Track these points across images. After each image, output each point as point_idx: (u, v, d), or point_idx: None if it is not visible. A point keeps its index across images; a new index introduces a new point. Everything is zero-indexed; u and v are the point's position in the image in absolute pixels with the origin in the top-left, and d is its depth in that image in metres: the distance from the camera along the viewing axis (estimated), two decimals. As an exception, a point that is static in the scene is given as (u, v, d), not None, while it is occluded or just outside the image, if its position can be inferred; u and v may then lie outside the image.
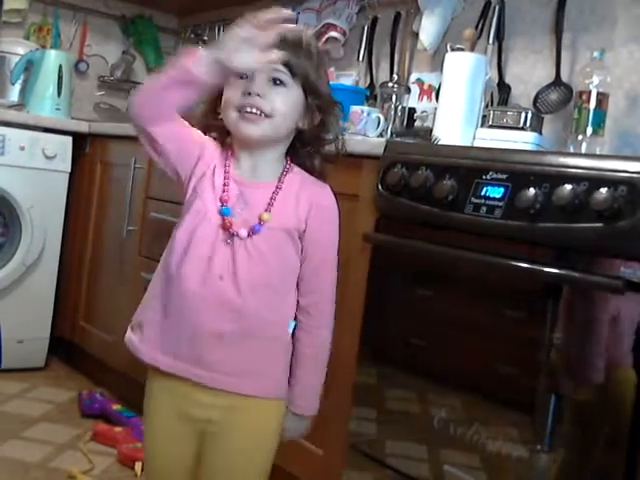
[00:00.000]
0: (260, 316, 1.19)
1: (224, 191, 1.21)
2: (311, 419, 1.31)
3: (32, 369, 2.86)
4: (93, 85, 3.62)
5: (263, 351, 1.22)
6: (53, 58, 3.05)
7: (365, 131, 2.10)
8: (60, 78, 3.04)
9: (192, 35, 3.65)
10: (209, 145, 1.24)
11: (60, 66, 3.04)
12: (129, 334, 1.34)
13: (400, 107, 2.21)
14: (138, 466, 2.06)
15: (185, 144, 1.21)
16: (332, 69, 2.69)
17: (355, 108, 2.15)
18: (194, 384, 1.21)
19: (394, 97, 2.23)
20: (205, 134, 1.25)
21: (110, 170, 2.85)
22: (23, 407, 2.50)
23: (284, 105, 1.18)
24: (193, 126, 1.23)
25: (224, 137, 1.25)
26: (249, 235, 1.18)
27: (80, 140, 2.94)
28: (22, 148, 2.76)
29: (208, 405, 1.22)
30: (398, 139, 2.03)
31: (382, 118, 2.13)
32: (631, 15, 1.99)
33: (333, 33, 2.76)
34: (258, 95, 1.16)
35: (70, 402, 2.58)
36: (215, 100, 1.23)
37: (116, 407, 2.42)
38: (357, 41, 2.73)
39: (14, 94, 3.09)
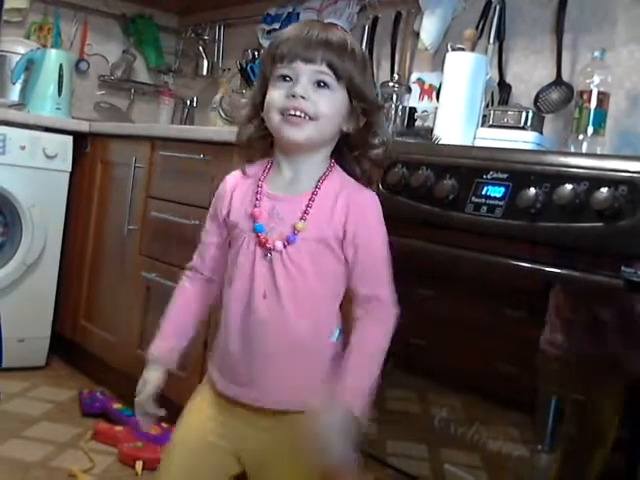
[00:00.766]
0: (304, 328, 1.16)
1: (255, 206, 1.18)
2: (358, 429, 1.15)
3: (33, 368, 2.86)
4: (94, 84, 3.62)
5: (311, 364, 1.18)
6: (54, 57, 3.05)
7: (366, 131, 2.10)
8: (61, 77, 3.04)
9: (193, 34, 3.66)
10: (224, 192, 1.24)
11: (61, 65, 3.04)
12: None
13: (401, 107, 2.21)
14: (139, 465, 2.06)
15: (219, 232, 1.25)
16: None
17: (356, 108, 2.15)
18: (249, 412, 1.18)
19: (395, 97, 2.23)
20: (248, 145, 1.23)
21: (111, 169, 2.85)
22: (24, 406, 2.50)
23: (328, 108, 1.15)
24: (238, 134, 1.24)
25: (266, 148, 1.23)
26: (285, 246, 1.15)
27: (81, 139, 2.94)
28: (23, 147, 2.76)
29: (259, 433, 1.19)
30: (399, 139, 2.03)
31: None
32: (632, 15, 2.00)
33: (334, 32, 2.76)
34: (302, 97, 1.13)
35: (71, 401, 2.58)
36: (259, 104, 1.20)
37: (117, 406, 2.42)
38: (358, 40, 2.72)
39: (15, 93, 3.10)
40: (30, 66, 3.07)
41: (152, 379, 1.26)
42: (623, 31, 2.01)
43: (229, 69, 3.43)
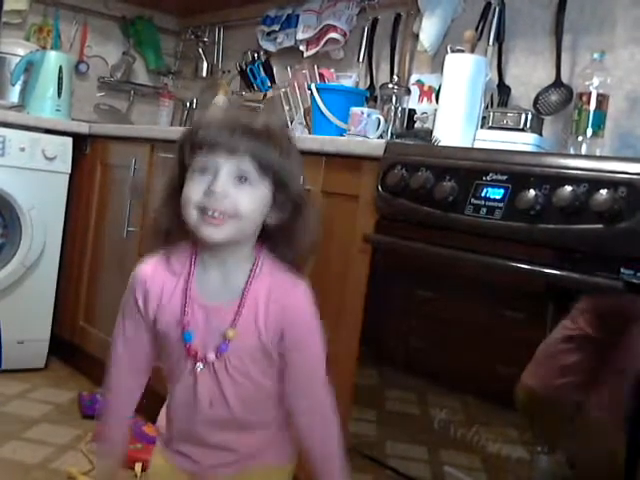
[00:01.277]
0: (254, 416, 1.17)
1: (185, 314, 1.13)
2: None
3: (32, 370, 2.86)
4: (93, 86, 3.62)
5: (264, 436, 1.19)
6: (53, 59, 3.05)
7: (365, 132, 2.10)
8: (60, 79, 3.04)
9: (192, 36, 3.66)
10: (141, 282, 1.18)
11: (60, 67, 3.04)
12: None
13: (400, 108, 2.21)
14: (138, 467, 2.06)
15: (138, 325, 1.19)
16: (332, 70, 2.69)
17: (355, 109, 2.15)
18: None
19: (394, 98, 2.23)
20: (163, 234, 1.16)
21: (110, 171, 2.85)
22: (23, 408, 2.50)
23: (249, 205, 1.08)
24: (154, 220, 1.18)
25: (186, 235, 1.14)
26: (217, 357, 1.11)
27: (80, 141, 2.94)
28: (22, 149, 2.76)
29: None
30: (398, 140, 2.03)
31: (382, 119, 2.13)
32: (631, 17, 2.00)
33: (333, 34, 2.77)
34: (221, 195, 1.06)
35: (70, 403, 2.59)
36: (176, 194, 1.12)
37: (116, 408, 2.42)
38: (357, 42, 2.74)
39: (14, 95, 3.10)
40: (30, 68, 3.07)
41: (106, 471, 1.29)
42: (622, 33, 2.01)
43: (229, 71, 3.44)
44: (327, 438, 1.17)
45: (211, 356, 1.11)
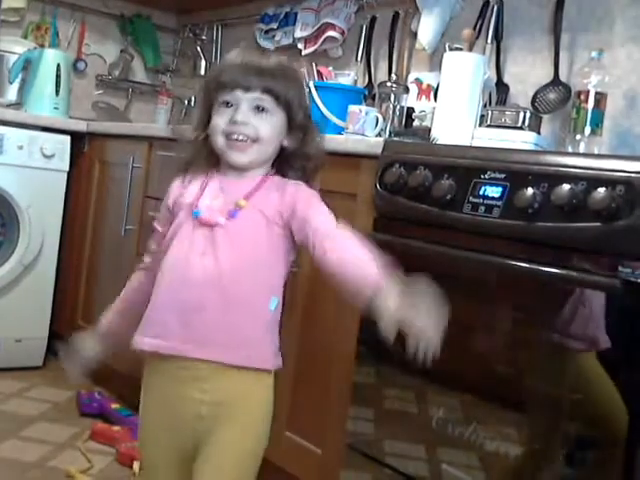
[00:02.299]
0: (240, 288, 1.25)
1: (198, 197, 1.30)
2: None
3: (30, 368, 2.86)
4: (91, 84, 3.61)
5: (246, 322, 1.26)
6: (51, 57, 3.05)
7: (363, 130, 2.10)
8: (58, 77, 3.04)
9: (190, 34, 3.66)
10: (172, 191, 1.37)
11: (58, 65, 3.04)
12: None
13: (398, 107, 2.21)
14: (136, 465, 2.06)
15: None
16: (330, 68, 2.69)
17: (353, 107, 2.15)
18: (182, 367, 1.25)
19: (392, 97, 2.23)
20: (192, 161, 1.36)
21: (108, 169, 2.85)
22: (21, 406, 2.50)
23: (268, 130, 1.28)
24: (185, 146, 1.38)
25: (212, 160, 1.34)
26: (227, 219, 1.26)
27: (78, 139, 2.94)
28: (20, 147, 2.76)
29: (197, 400, 1.25)
30: (396, 139, 2.03)
31: (380, 118, 2.13)
32: (629, 15, 2.00)
33: (331, 33, 2.76)
34: (243, 123, 1.26)
35: (68, 401, 2.58)
36: (205, 125, 1.32)
37: (115, 406, 2.42)
38: (355, 40, 2.73)
39: (12, 93, 3.10)
40: (28, 66, 3.07)
41: (89, 346, 1.46)
42: (621, 31, 2.01)
43: (227, 69, 3.43)
44: (362, 262, 1.20)
45: (221, 220, 1.26)
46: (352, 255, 1.21)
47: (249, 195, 1.29)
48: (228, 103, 1.28)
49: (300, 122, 1.32)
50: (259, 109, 1.28)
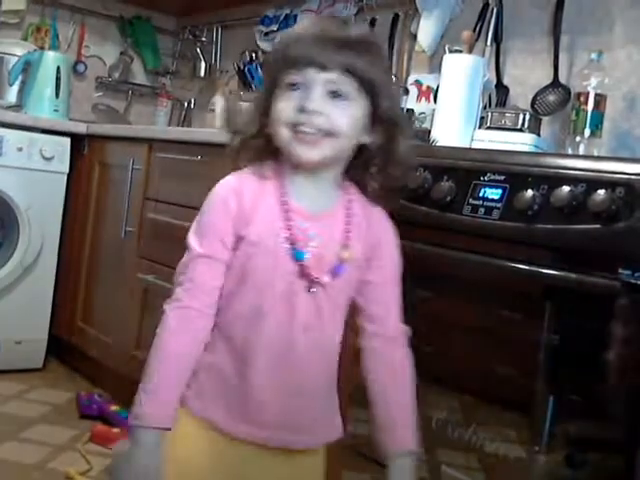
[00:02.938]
0: (337, 346, 1.10)
1: (289, 229, 1.02)
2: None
3: (30, 370, 2.86)
4: (91, 86, 3.61)
5: (336, 397, 1.13)
6: (51, 59, 3.05)
7: (363, 132, 2.10)
8: (58, 79, 3.04)
9: (190, 36, 3.66)
10: (240, 198, 1.03)
11: (58, 67, 3.05)
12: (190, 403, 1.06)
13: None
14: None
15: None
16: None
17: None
18: (276, 453, 1.06)
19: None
20: (249, 154, 1.07)
21: (108, 171, 2.85)
22: (21, 408, 2.50)
23: (347, 122, 1.00)
24: (240, 139, 1.07)
25: (272, 156, 1.06)
26: (333, 279, 1.03)
27: (78, 141, 2.94)
28: (20, 149, 2.76)
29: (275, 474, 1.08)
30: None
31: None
32: (629, 17, 2.00)
33: (331, 34, 2.76)
34: (315, 112, 0.99)
35: (68, 403, 2.58)
36: (265, 114, 1.04)
37: (114, 408, 2.42)
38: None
39: (12, 95, 3.09)
40: (27, 68, 3.07)
41: (156, 453, 1.01)
42: (620, 33, 2.01)
43: (227, 71, 3.44)
44: (402, 383, 1.10)
45: (325, 279, 1.02)
46: (397, 400, 1.10)
47: (348, 235, 1.04)
48: (296, 85, 1.00)
49: (387, 114, 1.04)
50: (336, 94, 1.00)
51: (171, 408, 1.02)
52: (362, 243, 1.06)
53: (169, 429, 1.01)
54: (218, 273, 1.03)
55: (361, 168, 1.08)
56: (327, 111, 0.99)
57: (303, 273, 1.01)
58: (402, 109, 1.11)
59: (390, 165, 1.06)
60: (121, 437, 2.21)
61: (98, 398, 2.50)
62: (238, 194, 1.03)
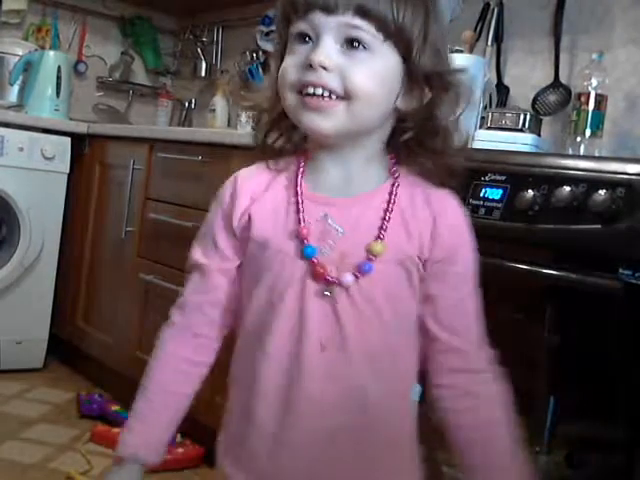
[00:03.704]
0: (383, 396, 0.82)
1: (300, 222, 0.82)
2: None
3: (31, 370, 2.85)
4: (92, 86, 3.61)
5: (386, 445, 0.84)
6: (52, 59, 3.05)
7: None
8: (59, 79, 3.04)
9: (191, 36, 3.65)
10: (237, 189, 0.87)
11: (59, 67, 3.04)
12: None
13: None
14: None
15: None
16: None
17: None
18: None
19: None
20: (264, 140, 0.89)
21: (109, 171, 2.85)
22: (22, 408, 2.50)
23: (367, 79, 0.78)
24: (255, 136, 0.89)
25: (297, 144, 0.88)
26: (357, 279, 0.80)
27: (79, 141, 2.94)
28: (21, 149, 2.76)
29: None
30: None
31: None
32: (630, 17, 2.00)
33: (332, 34, 2.76)
34: (324, 68, 0.77)
35: (69, 403, 2.58)
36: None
37: (115, 408, 2.42)
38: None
39: (13, 95, 3.09)
40: (28, 67, 3.07)
41: None
42: (621, 33, 2.01)
43: (227, 71, 3.43)
44: (498, 434, 0.86)
45: (348, 278, 0.80)
46: (497, 441, 0.86)
47: (383, 224, 0.81)
48: (304, 36, 0.79)
49: (427, 68, 0.80)
50: (352, 44, 0.77)
51: (149, 438, 0.89)
52: (413, 239, 0.82)
53: (147, 463, 0.87)
54: (211, 285, 0.87)
55: (407, 141, 0.84)
56: (340, 65, 0.77)
57: (315, 273, 0.80)
58: (449, 64, 0.83)
59: (427, 136, 0.83)
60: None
61: (98, 398, 2.50)
62: (234, 187, 0.87)
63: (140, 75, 3.76)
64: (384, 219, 0.82)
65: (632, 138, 1.94)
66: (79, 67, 3.52)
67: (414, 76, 0.80)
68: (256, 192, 0.85)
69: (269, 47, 3.09)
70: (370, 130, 0.83)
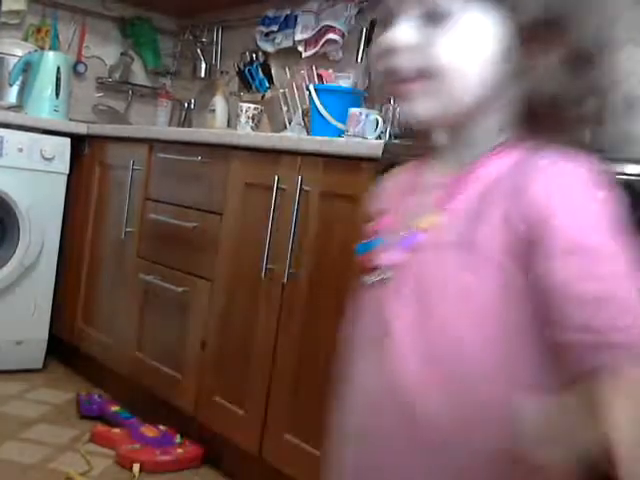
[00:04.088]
0: (457, 416, 0.66)
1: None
2: None
3: (30, 370, 2.86)
4: (91, 87, 3.62)
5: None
6: (51, 59, 3.05)
7: (364, 133, 2.10)
8: (58, 80, 3.04)
9: (190, 37, 3.66)
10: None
11: (58, 67, 3.05)
12: None
13: (399, 109, 2.21)
14: (136, 467, 2.05)
15: None
16: (330, 71, 2.69)
17: (353, 110, 2.15)
18: None
19: (392, 99, 2.23)
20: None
21: (108, 172, 2.85)
22: (21, 408, 2.50)
23: (451, 51, 0.68)
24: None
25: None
26: (401, 256, 0.71)
27: (78, 142, 2.94)
28: (20, 150, 2.76)
29: None
30: (397, 141, 2.03)
31: (380, 120, 2.13)
32: (629, 17, 2.00)
33: (331, 35, 2.76)
34: (400, 49, 0.70)
35: (68, 403, 2.58)
36: None
37: (114, 408, 2.42)
38: (355, 43, 2.73)
39: (12, 96, 3.10)
40: (28, 68, 3.07)
41: None
42: (621, 33, 2.01)
43: (227, 71, 3.44)
44: None
45: (389, 257, 0.70)
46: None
47: (447, 196, 0.70)
48: (384, 20, 0.73)
49: (537, 20, 0.67)
50: (431, 17, 0.69)
51: None
52: (485, 222, 0.67)
53: None
54: None
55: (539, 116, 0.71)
56: (418, 43, 0.69)
57: (364, 266, 0.72)
58: (591, 32, 0.71)
59: (568, 103, 0.70)
60: (121, 437, 2.21)
61: (98, 398, 2.50)
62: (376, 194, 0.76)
63: (140, 76, 3.77)
64: (450, 193, 0.74)
65: (631, 138, 1.94)
66: (79, 68, 3.52)
67: (524, 31, 0.68)
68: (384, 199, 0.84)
69: (269, 47, 3.10)
70: (483, 106, 0.71)
